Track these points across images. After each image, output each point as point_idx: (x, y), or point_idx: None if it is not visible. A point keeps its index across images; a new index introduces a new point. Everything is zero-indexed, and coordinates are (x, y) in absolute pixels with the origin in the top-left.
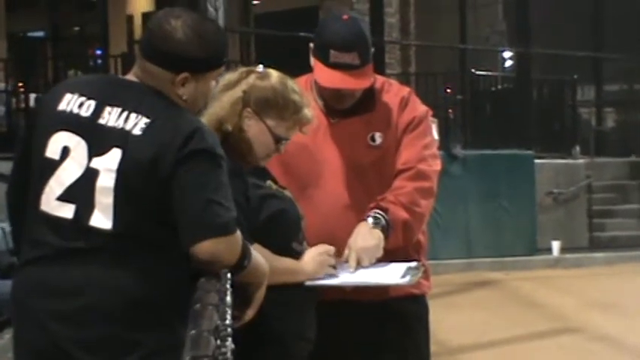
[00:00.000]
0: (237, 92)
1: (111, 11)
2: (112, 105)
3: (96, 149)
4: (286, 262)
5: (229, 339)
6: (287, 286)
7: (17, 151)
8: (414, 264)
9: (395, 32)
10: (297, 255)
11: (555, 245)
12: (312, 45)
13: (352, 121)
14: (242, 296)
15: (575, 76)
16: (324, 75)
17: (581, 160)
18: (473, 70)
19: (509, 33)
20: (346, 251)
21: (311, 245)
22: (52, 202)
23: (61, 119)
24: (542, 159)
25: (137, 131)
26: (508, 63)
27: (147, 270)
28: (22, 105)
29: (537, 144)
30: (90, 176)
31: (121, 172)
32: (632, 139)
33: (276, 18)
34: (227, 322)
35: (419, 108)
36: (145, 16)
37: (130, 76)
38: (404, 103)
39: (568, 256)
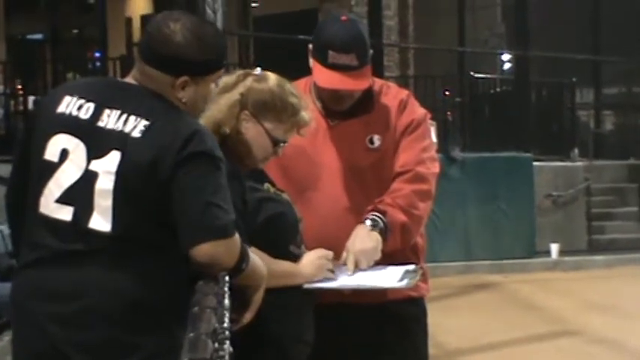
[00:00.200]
0: (235, 95)
1: (109, 14)
2: (111, 107)
3: (95, 152)
4: (284, 265)
5: (227, 342)
6: (285, 289)
7: (16, 154)
8: (412, 267)
9: (393, 35)
10: (294, 258)
11: (554, 248)
12: (310, 46)
13: (351, 124)
14: (240, 299)
15: (574, 79)
16: (322, 76)
17: (579, 163)
18: (471, 73)
19: (507, 35)
20: (344, 254)
21: (309, 248)
22: (51, 205)
23: (60, 122)
24: (540, 161)
25: (136, 134)
26: (507, 65)
27: (146, 272)
28: (21, 107)
29: (536, 146)
30: (89, 179)
31: (120, 174)
32: (630, 142)
33: (275, 21)
34: (225, 325)
35: (417, 111)
36: (144, 19)
37: (129, 79)
38: (402, 106)
39: (567, 258)
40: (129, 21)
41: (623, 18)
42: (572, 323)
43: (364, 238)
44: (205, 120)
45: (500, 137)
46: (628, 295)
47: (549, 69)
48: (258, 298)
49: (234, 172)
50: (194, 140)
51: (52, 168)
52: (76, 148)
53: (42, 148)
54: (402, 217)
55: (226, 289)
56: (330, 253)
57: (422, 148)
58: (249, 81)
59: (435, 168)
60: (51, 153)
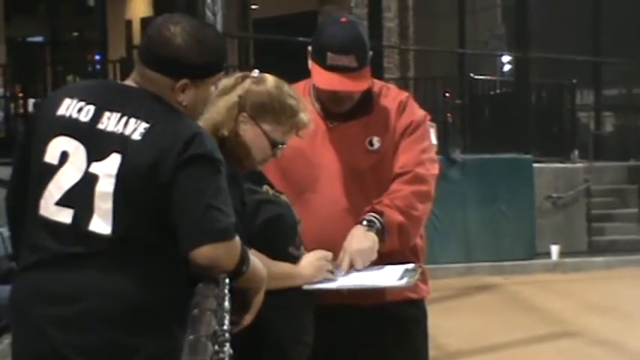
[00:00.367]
0: (233, 97)
1: (110, 16)
2: (111, 110)
3: (95, 154)
4: (284, 267)
5: (227, 344)
6: (285, 290)
7: (16, 156)
8: (411, 266)
9: (394, 37)
10: (294, 259)
11: (554, 249)
12: (309, 48)
13: (350, 126)
14: (240, 301)
15: (574, 81)
16: (321, 77)
17: (579, 165)
18: (472, 75)
19: (507, 37)
20: (341, 254)
21: (308, 250)
22: (51, 207)
23: (60, 124)
24: (540, 163)
25: (136, 136)
26: (507, 67)
27: (146, 275)
28: (21, 110)
29: (536, 148)
30: (89, 181)
31: (121, 177)
32: (630, 144)
33: (275, 23)
34: (225, 327)
35: (417, 112)
36: (144, 22)
37: (129, 82)
38: (402, 108)
39: (567, 260)
40: (129, 23)
41: (623, 19)
42: (572, 324)
43: (360, 239)
44: (204, 122)
45: (501, 139)
46: (628, 297)
47: (549, 70)
48: (258, 300)
49: (233, 175)
50: (195, 143)
51: (51, 170)
52: (76, 150)
53: (42, 151)
54: (399, 217)
55: (226, 291)
56: (330, 254)
57: (421, 150)
58: (247, 83)
59: (435, 169)
60: (51, 155)
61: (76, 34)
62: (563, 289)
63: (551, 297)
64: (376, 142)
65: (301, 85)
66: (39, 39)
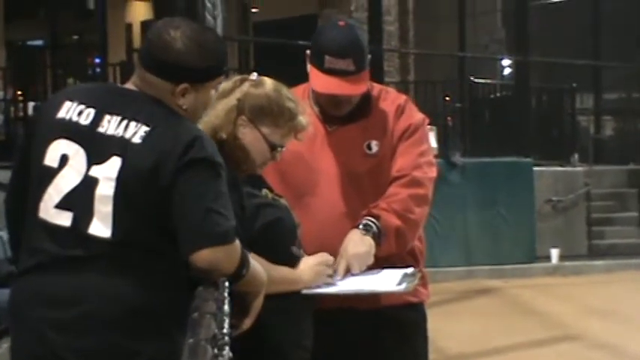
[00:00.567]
0: (232, 100)
1: (110, 20)
2: (111, 113)
3: (95, 157)
4: (283, 271)
5: (227, 348)
6: (284, 294)
7: (16, 159)
8: (410, 270)
9: (394, 40)
10: (296, 260)
11: (554, 253)
12: (308, 52)
13: (349, 129)
14: (240, 305)
15: (574, 84)
16: (319, 81)
17: (579, 168)
18: (472, 78)
19: (508, 41)
20: (337, 258)
21: (308, 253)
22: (51, 210)
23: (60, 127)
24: (541, 167)
25: (137, 139)
26: (507, 71)
27: (146, 278)
28: (21, 114)
29: (536, 152)
30: (89, 184)
31: (121, 180)
32: (630, 147)
33: (275, 26)
34: (225, 330)
35: (415, 115)
36: (144, 25)
37: (129, 85)
38: (400, 111)
39: (567, 263)
40: (129, 27)
41: (623, 23)
42: (572, 328)
43: (357, 243)
44: (203, 125)
45: (501, 142)
46: (628, 300)
47: (549, 74)
48: (258, 304)
49: (233, 179)
50: (195, 146)
51: (51, 173)
52: (76, 153)
53: (42, 154)
54: (396, 221)
55: (226, 294)
56: (330, 259)
57: (419, 153)
58: (245, 86)
59: (432, 172)
60: (51, 158)
61: (76, 37)
62: (563, 293)
63: (551, 300)
64: (374, 145)
65: (300, 89)
66: (39, 42)
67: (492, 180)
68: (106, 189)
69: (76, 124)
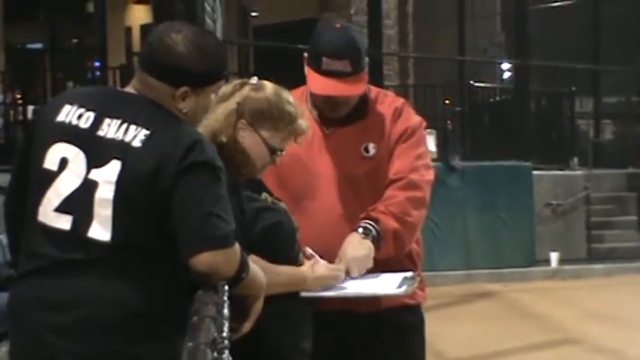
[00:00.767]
0: (232, 104)
1: (109, 23)
2: (111, 117)
3: (95, 161)
4: (284, 274)
5: (227, 351)
6: (284, 297)
7: (15, 163)
8: (409, 274)
9: (393, 44)
10: (293, 264)
11: (554, 257)
12: (305, 54)
13: (346, 132)
14: (239, 308)
15: (574, 88)
16: (316, 82)
17: (579, 172)
18: (471, 82)
19: (507, 45)
20: (336, 262)
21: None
22: (50, 214)
23: (60, 130)
24: (540, 170)
25: (137, 143)
26: (506, 75)
27: (146, 282)
28: (20, 117)
29: (535, 155)
30: (88, 188)
31: (121, 184)
32: (629, 151)
33: (275, 30)
34: (224, 334)
35: (412, 118)
36: (144, 28)
37: (129, 89)
38: (397, 114)
39: (566, 267)
40: (129, 30)
41: (622, 27)
42: (571, 332)
43: (356, 246)
44: (203, 129)
45: (500, 146)
46: (627, 304)
47: (549, 78)
48: (257, 307)
49: (232, 183)
50: (195, 150)
51: (51, 177)
52: (76, 157)
53: (41, 157)
54: (394, 224)
55: (226, 298)
56: (342, 275)
57: (416, 156)
58: (245, 90)
59: (429, 175)
60: (50, 162)
61: (75, 40)
62: (563, 297)
63: (550, 304)
64: (372, 148)
65: (299, 92)
66: (38, 45)
67: (492, 184)
68: (105, 192)
69: (76, 127)
